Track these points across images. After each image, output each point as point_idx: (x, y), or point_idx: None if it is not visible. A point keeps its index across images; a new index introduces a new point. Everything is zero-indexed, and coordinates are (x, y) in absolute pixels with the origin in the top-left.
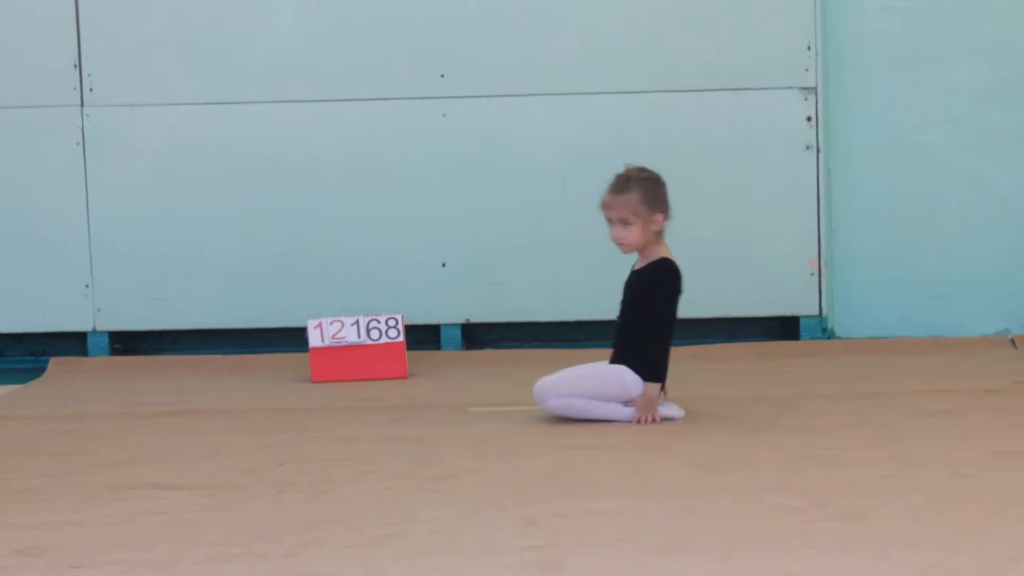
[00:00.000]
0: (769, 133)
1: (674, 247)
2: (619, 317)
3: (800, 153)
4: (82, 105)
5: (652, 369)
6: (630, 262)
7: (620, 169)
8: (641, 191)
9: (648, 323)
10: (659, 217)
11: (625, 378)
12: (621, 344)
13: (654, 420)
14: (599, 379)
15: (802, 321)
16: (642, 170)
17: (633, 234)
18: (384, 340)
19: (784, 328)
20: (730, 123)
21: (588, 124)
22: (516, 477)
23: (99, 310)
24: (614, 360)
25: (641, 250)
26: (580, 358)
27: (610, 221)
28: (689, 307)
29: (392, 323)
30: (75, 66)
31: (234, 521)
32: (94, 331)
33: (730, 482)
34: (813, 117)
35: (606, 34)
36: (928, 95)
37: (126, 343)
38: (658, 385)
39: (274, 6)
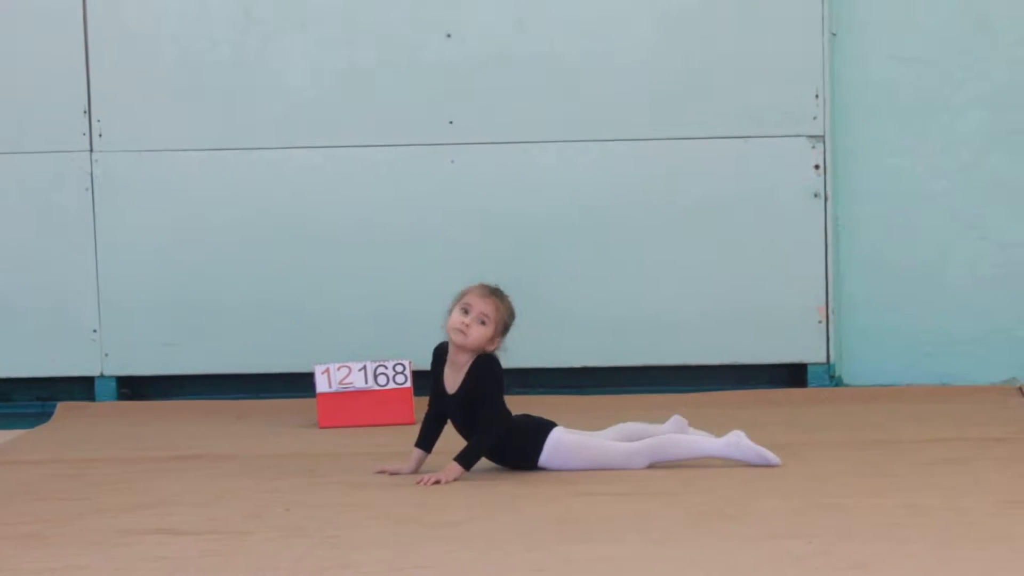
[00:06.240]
0: (777, 181)
1: (683, 292)
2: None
3: (808, 201)
4: (91, 151)
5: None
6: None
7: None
8: (508, 312)
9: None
10: (498, 342)
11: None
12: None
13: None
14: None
15: (810, 368)
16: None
17: (482, 334)
18: (391, 386)
19: (792, 375)
20: (738, 170)
21: (595, 171)
22: (522, 523)
23: (107, 355)
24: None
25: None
26: (581, 405)
27: (465, 310)
28: (699, 354)
29: (399, 368)
30: (84, 111)
31: (240, 566)
32: (101, 376)
33: (737, 528)
34: (821, 165)
35: (613, 81)
36: (935, 144)
37: (133, 388)
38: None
39: (283, 51)
